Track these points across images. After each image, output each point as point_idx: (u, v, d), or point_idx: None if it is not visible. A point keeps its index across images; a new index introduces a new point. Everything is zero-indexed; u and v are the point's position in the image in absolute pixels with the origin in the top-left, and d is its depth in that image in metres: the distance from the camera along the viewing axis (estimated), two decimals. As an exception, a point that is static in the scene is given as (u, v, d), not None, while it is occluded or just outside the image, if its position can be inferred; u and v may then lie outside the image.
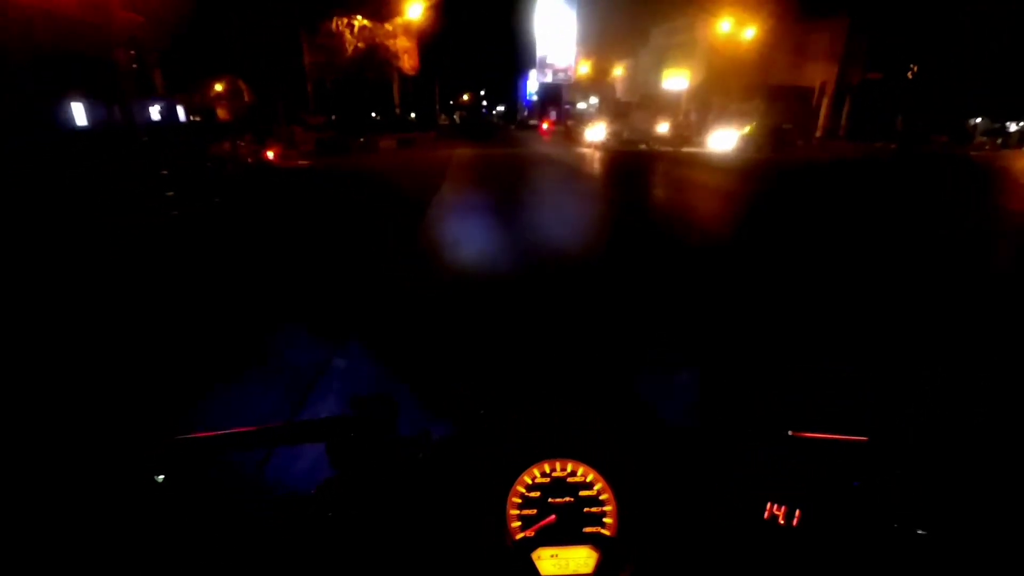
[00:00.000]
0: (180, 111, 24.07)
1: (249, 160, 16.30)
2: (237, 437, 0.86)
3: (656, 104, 36.70)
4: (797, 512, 0.84)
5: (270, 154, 18.27)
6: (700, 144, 26.59)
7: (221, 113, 27.18)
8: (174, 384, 3.00)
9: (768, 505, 0.85)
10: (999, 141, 29.96)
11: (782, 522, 0.84)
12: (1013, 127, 30.80)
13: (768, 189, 13.37)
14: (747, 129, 25.27)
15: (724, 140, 25.39)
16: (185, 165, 14.13)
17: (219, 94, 28.36)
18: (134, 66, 21.93)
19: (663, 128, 27.46)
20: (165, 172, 12.96)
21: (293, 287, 5.04)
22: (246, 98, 28.45)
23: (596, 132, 26.84)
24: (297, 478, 1.96)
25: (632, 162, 19.70)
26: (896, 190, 12.72)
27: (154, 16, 21.69)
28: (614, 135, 26.24)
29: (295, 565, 0.80)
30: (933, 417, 2.29)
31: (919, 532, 0.80)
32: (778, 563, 0.83)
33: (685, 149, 25.27)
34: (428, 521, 0.86)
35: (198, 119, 25.33)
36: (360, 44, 31.10)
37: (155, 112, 22.31)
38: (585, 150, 24.25)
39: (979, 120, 32.19)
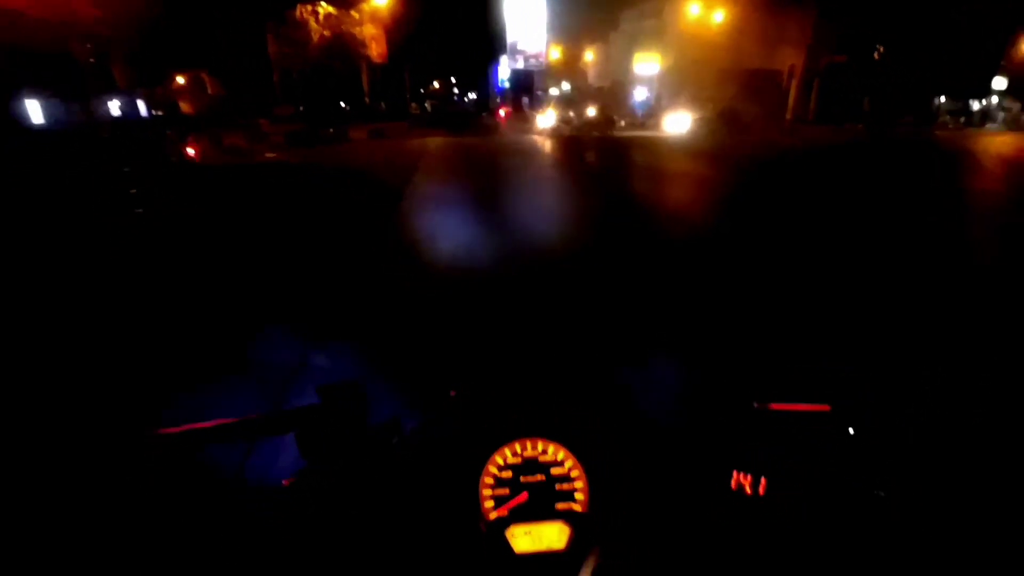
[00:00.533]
0: (141, 106, 23.34)
1: (173, 159, 15.31)
2: (211, 431, 0.87)
3: (616, 91, 36.90)
4: (763, 480, 0.86)
5: (191, 151, 16.68)
6: (655, 128, 26.77)
7: (184, 107, 26.46)
8: (146, 382, 2.96)
9: (734, 475, 0.88)
10: (962, 120, 30.66)
11: (748, 491, 0.86)
12: (976, 105, 31.54)
13: (698, 169, 13.71)
14: (700, 113, 25.65)
15: (678, 124, 25.62)
16: (148, 162, 13.76)
17: (181, 87, 27.57)
18: (92, 60, 21.20)
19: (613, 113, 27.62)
20: (127, 169, 12.61)
21: (266, 283, 4.98)
22: (210, 91, 27.71)
23: (546, 119, 26.91)
24: (278, 470, 1.97)
25: (573, 146, 20.01)
26: (844, 175, 13.00)
27: (113, 8, 20.93)
28: (564, 122, 26.26)
29: (272, 555, 0.81)
30: (893, 385, 2.36)
31: (879, 494, 0.82)
32: (745, 531, 0.85)
33: (638, 133, 25.35)
34: (402, 506, 0.87)
35: (160, 113, 24.61)
36: (326, 32, 30.52)
37: (115, 108, 21.60)
38: (536, 137, 24.07)
39: (943, 100, 32.88)
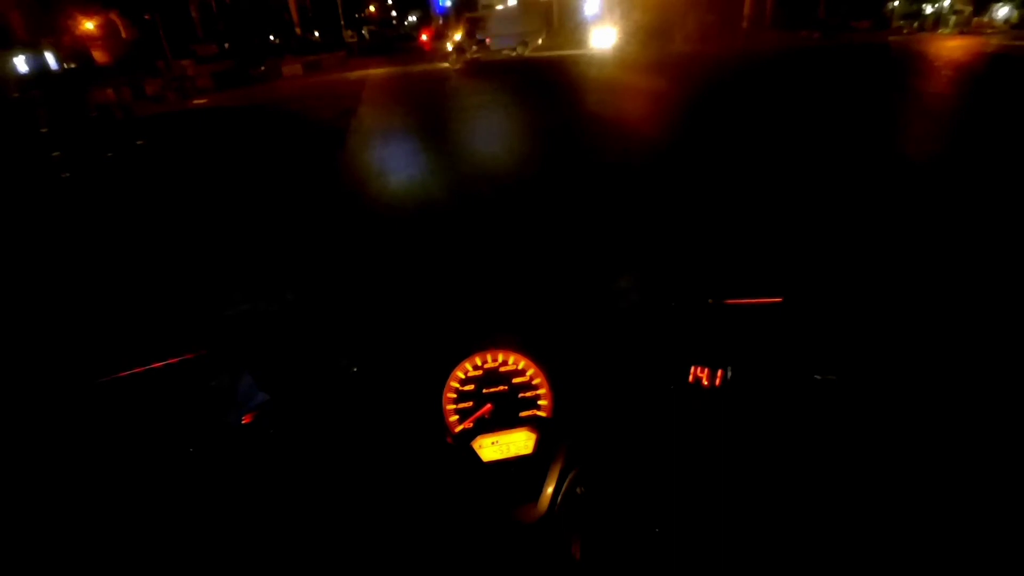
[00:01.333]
0: (51, 59, 21.42)
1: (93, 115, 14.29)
2: (156, 373, 0.92)
3: (565, 3, 34.76)
4: (719, 372, 0.90)
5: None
6: (581, 45, 25.55)
7: (99, 56, 24.32)
8: (86, 336, 2.98)
9: (692, 369, 0.91)
10: (915, 25, 30.35)
11: (706, 383, 0.90)
12: (929, 9, 31.08)
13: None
14: (626, 25, 24.53)
15: (604, 39, 24.44)
16: (67, 120, 12.85)
17: (92, 34, 25.18)
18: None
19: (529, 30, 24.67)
20: (45, 130, 11.79)
21: (206, 234, 4.94)
22: (123, 35, 25.41)
23: (457, 42, 23.83)
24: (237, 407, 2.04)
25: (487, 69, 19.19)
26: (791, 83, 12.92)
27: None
28: (475, 44, 23.52)
29: (239, 494, 0.84)
30: (844, 277, 2.39)
31: (829, 378, 0.86)
32: (704, 423, 0.86)
33: (561, 52, 23.85)
34: (366, 430, 0.91)
35: (73, 66, 22.61)
36: (243, -43, 27.95)
37: (22, 64, 19.79)
38: (444, 64, 22.24)
39: (896, 3, 32.28)
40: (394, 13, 55.09)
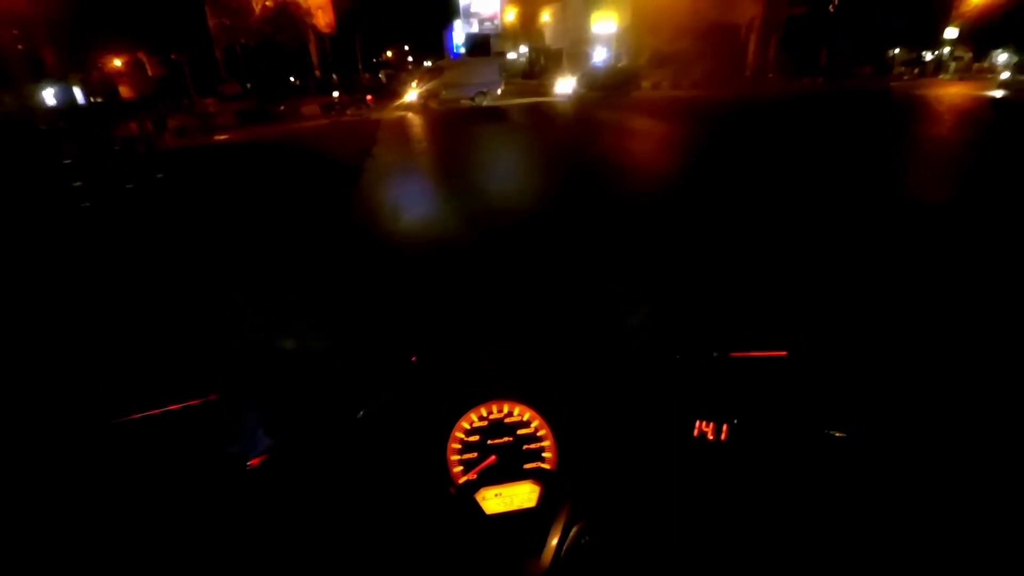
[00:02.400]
0: (78, 93, 22.17)
1: (116, 147, 14.41)
2: (170, 416, 0.90)
3: (574, 51, 35.69)
4: (724, 427, 0.89)
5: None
6: (545, 92, 26.10)
7: (125, 91, 25.18)
8: (104, 371, 2.97)
9: (697, 423, 0.90)
10: (916, 71, 31.16)
11: (711, 438, 0.89)
12: (929, 56, 31.95)
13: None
14: (584, 74, 25.37)
15: (565, 87, 25.30)
16: (90, 152, 13.18)
17: (120, 70, 26.16)
18: (20, 47, 19.95)
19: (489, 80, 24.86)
20: (69, 161, 12.09)
21: (226, 263, 4.99)
22: (150, 72, 26.37)
23: (410, 94, 23.86)
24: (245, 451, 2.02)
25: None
26: (796, 128, 13.21)
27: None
28: (431, 95, 23.56)
29: (244, 536, 0.83)
30: (850, 331, 2.38)
31: (837, 435, 0.85)
32: (709, 477, 0.86)
33: (523, 100, 24.28)
34: (371, 477, 0.89)
35: (100, 100, 23.38)
36: (268, 2, 29.16)
37: (50, 97, 20.48)
38: (397, 113, 21.86)
39: (897, 51, 33.22)
40: (410, 58, 57.07)
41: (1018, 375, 0.98)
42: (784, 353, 0.98)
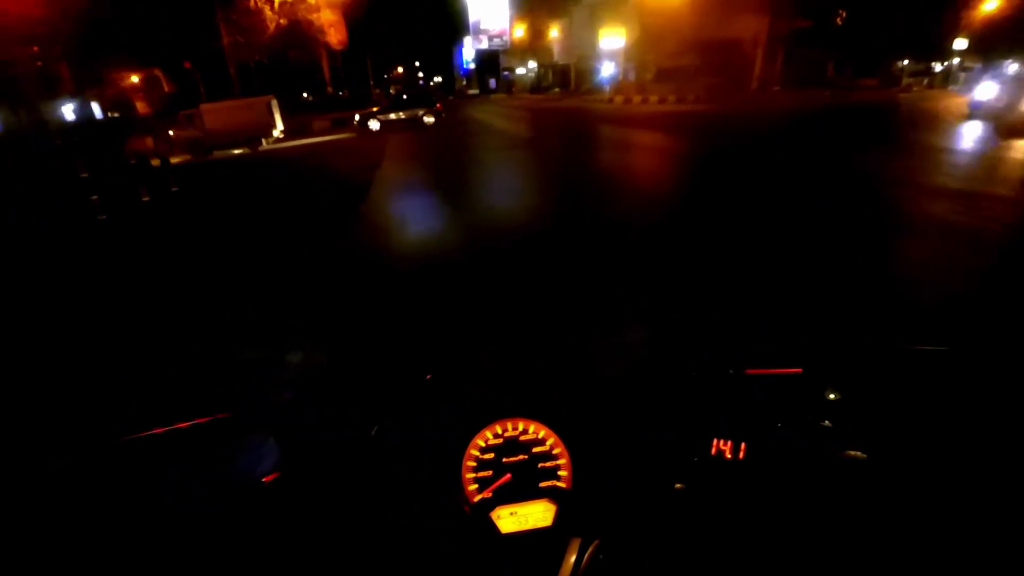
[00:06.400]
0: (95, 108, 22.53)
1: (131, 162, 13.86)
2: (180, 434, 0.88)
3: (582, 67, 35.79)
4: (743, 445, 0.88)
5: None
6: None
7: (140, 107, 25.61)
8: (115, 387, 2.94)
9: (715, 441, 0.89)
10: (925, 82, 31.07)
11: (728, 456, 0.88)
12: (938, 67, 31.88)
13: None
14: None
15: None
16: (106, 166, 13.30)
17: (135, 86, 26.64)
18: (38, 64, 20.32)
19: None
20: (85, 175, 12.18)
21: (237, 281, 4.95)
22: (165, 88, 26.82)
23: (372, 120, 22.03)
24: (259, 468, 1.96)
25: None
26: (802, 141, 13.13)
27: (54, 5, 19.91)
28: (394, 119, 22.02)
29: (257, 554, 0.81)
30: (865, 346, 2.36)
31: (857, 456, 0.84)
32: (728, 496, 0.85)
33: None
34: (385, 495, 0.87)
35: (116, 115, 23.76)
36: (282, 20, 29.62)
37: (67, 112, 20.81)
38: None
39: (906, 62, 33.18)
40: (420, 75, 57.81)
41: None
42: (799, 371, 0.97)
